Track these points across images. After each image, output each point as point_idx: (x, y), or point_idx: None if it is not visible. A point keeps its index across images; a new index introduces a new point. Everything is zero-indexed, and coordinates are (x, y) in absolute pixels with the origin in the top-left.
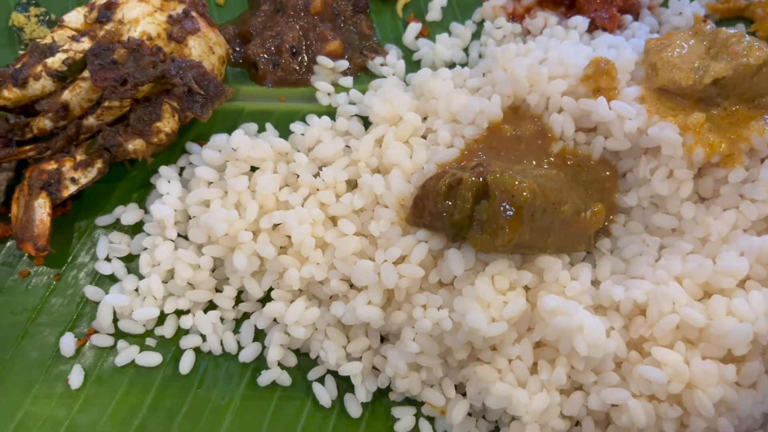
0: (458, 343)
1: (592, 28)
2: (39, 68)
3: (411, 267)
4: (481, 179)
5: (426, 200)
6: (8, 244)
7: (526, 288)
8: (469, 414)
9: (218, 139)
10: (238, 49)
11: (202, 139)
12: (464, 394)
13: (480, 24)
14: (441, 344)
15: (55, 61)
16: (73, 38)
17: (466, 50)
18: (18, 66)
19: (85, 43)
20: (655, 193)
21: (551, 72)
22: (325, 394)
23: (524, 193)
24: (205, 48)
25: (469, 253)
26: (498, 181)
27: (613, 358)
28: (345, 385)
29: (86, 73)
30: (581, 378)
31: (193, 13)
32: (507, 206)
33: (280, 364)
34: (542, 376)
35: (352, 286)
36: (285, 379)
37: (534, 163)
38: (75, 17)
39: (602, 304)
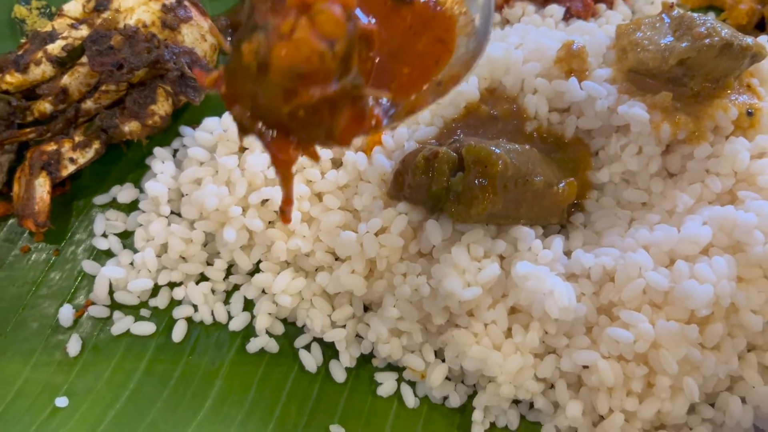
0: (436, 309)
1: (568, 16)
2: (40, 54)
3: (391, 237)
4: (456, 153)
5: (405, 174)
6: (10, 221)
7: (501, 257)
8: (448, 378)
9: (210, 121)
10: (230, 38)
11: (195, 123)
12: (443, 360)
13: None
14: (420, 310)
15: (55, 48)
16: (72, 26)
17: None
18: (20, 53)
19: (84, 31)
20: (626, 169)
21: (526, 56)
22: (311, 360)
23: (497, 164)
24: (198, 36)
25: (446, 224)
26: (472, 152)
27: (584, 323)
28: (330, 352)
29: (84, 59)
30: (554, 342)
31: (186, 3)
32: (480, 177)
33: (268, 332)
34: (516, 339)
35: (336, 258)
36: (273, 346)
37: (503, 140)
38: (74, 7)
39: (574, 272)
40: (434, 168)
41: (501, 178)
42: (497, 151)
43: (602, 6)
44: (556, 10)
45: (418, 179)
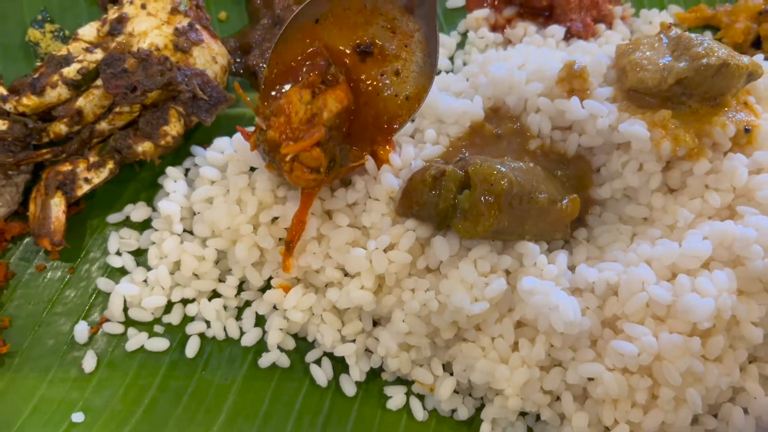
0: (444, 323)
1: (568, 36)
2: (55, 77)
3: (400, 253)
4: (462, 171)
5: (413, 192)
6: (26, 240)
7: (507, 272)
8: (456, 391)
9: (221, 141)
10: (239, 59)
11: (206, 143)
12: (451, 373)
13: (464, 34)
14: (428, 325)
15: (70, 71)
16: (87, 50)
17: (451, 59)
18: (36, 76)
19: (98, 54)
20: (628, 185)
21: (528, 76)
22: (321, 374)
23: (502, 182)
24: (209, 58)
25: (453, 240)
26: (478, 171)
27: (588, 336)
28: (340, 366)
29: (99, 82)
30: (560, 355)
31: (198, 26)
32: (486, 195)
33: (279, 347)
34: (523, 353)
35: (346, 274)
36: (284, 361)
37: (508, 158)
38: (89, 31)
39: (578, 287)
40: (441, 186)
41: (506, 195)
42: (503, 169)
43: (602, 26)
44: (557, 31)
45: (426, 197)
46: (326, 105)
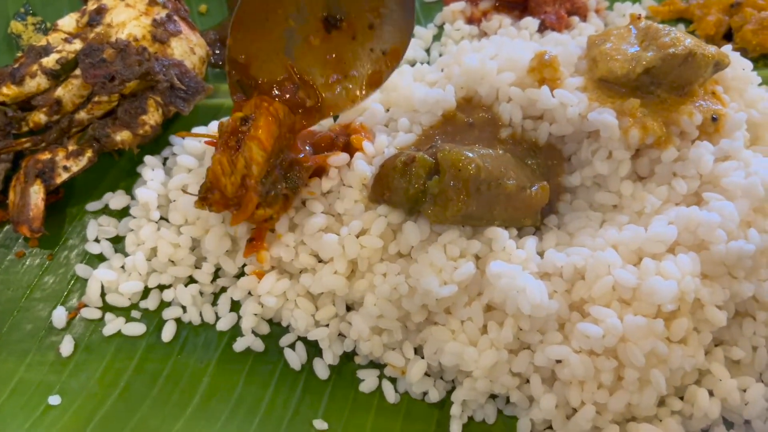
0: (415, 307)
1: (543, 28)
2: (35, 67)
3: (371, 238)
4: (432, 158)
5: (384, 178)
6: (5, 228)
7: (477, 257)
8: (428, 374)
9: (198, 130)
10: (218, 51)
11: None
12: (423, 356)
13: (441, 27)
14: (399, 308)
15: (49, 61)
16: (66, 40)
17: (428, 50)
18: (16, 66)
19: (77, 44)
20: (597, 173)
21: (500, 66)
22: (295, 358)
23: (470, 167)
24: (187, 49)
25: (424, 225)
26: (446, 157)
27: (556, 319)
28: (314, 350)
29: (78, 72)
30: (528, 338)
31: (176, 18)
32: (455, 180)
33: (254, 332)
34: (491, 335)
35: (319, 261)
36: (258, 345)
37: (479, 145)
38: (68, 22)
39: (547, 272)
40: (411, 172)
41: (474, 180)
42: (470, 155)
43: (576, 18)
44: (531, 23)
45: (397, 183)
46: (251, 158)
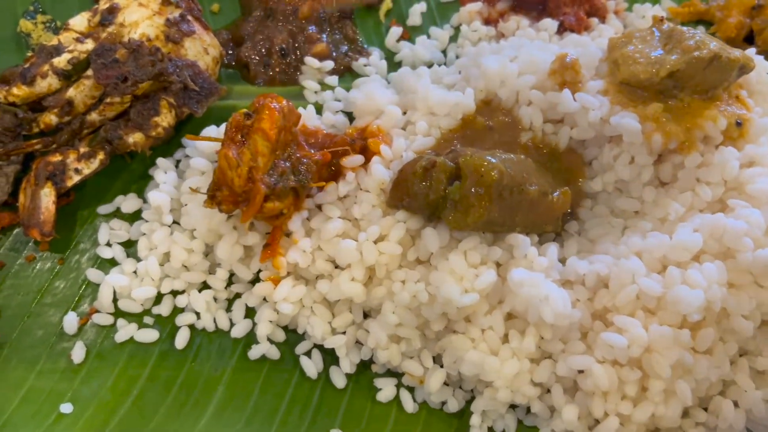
0: (434, 315)
1: (562, 30)
2: (46, 68)
3: (390, 245)
4: (453, 162)
5: (403, 183)
6: (15, 231)
7: (497, 264)
8: (446, 384)
9: (210, 130)
10: (231, 51)
11: (197, 135)
12: (442, 365)
13: (457, 28)
14: (418, 316)
15: (61, 61)
16: (78, 40)
17: (444, 52)
18: (26, 66)
19: (89, 44)
20: (619, 178)
21: (521, 68)
22: (311, 366)
23: (492, 173)
24: (200, 49)
25: (443, 231)
26: (468, 162)
27: (579, 328)
28: (330, 358)
29: (90, 72)
30: (550, 347)
31: (189, 17)
32: (477, 186)
33: (269, 339)
34: (513, 344)
35: (336, 266)
36: (274, 352)
37: (499, 150)
38: (80, 21)
39: (569, 279)
40: (432, 177)
41: (496, 186)
42: (493, 160)
43: (595, 20)
44: (550, 24)
45: (417, 188)
46: (257, 150)
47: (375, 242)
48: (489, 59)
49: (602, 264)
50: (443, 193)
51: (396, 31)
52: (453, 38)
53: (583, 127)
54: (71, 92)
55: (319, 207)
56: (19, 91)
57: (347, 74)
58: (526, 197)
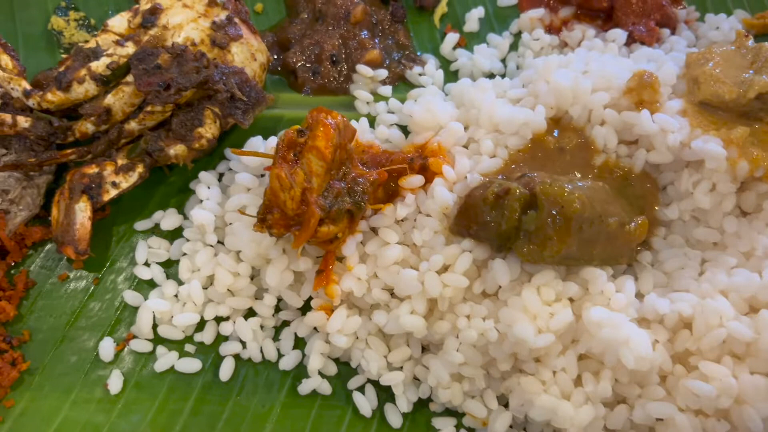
0: (503, 354)
1: (630, 41)
2: (83, 72)
3: (455, 276)
4: (527, 189)
5: (472, 210)
6: (47, 246)
7: (570, 299)
8: (511, 426)
9: (254, 142)
10: (276, 56)
11: (241, 146)
12: (506, 406)
13: (517, 35)
14: (485, 355)
15: (99, 65)
16: (117, 43)
17: (503, 61)
18: (62, 69)
19: (129, 48)
20: (697, 207)
21: (594, 84)
22: (365, 403)
23: (575, 204)
24: (248, 54)
25: (514, 263)
26: (548, 191)
27: (657, 372)
28: (385, 394)
29: (129, 78)
30: (625, 391)
31: (236, 20)
32: (556, 217)
33: (320, 373)
34: (587, 389)
35: (392, 294)
36: (325, 388)
37: (578, 175)
38: (119, 22)
39: (646, 317)
40: (504, 205)
41: (577, 218)
42: (573, 189)
43: (666, 31)
44: (619, 35)
45: (487, 216)
46: (311, 170)
47: (438, 272)
48: (560, 74)
49: (685, 303)
50: (516, 224)
51: (452, 37)
52: (512, 46)
53: (661, 151)
54: (109, 99)
55: (374, 230)
56: (53, 97)
57: (400, 83)
58: (605, 229)
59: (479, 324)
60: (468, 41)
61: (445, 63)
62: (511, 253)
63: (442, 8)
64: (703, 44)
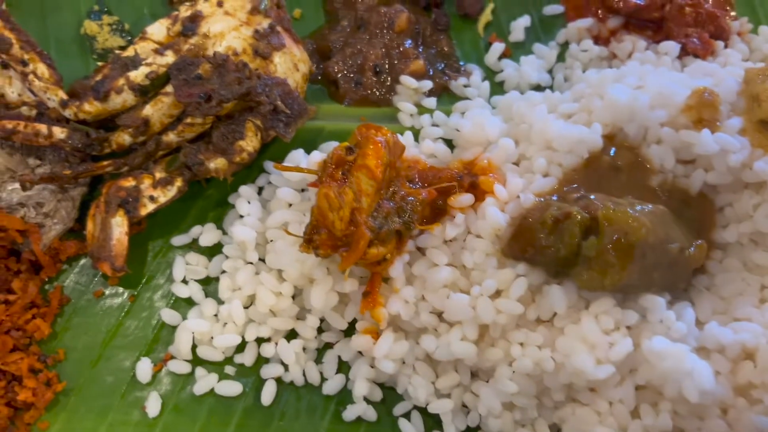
0: (558, 384)
1: (682, 53)
2: (121, 81)
3: (510, 302)
4: (587, 213)
5: (528, 233)
6: (82, 262)
7: (628, 327)
8: None
9: (295, 155)
10: (316, 65)
11: (281, 159)
12: None
13: (564, 46)
14: (539, 384)
15: (137, 75)
16: (156, 51)
17: (550, 72)
18: (99, 78)
19: (169, 57)
20: (757, 230)
21: (651, 101)
22: (412, 430)
23: (640, 231)
24: (290, 65)
25: (571, 289)
26: (610, 216)
27: (718, 404)
28: (431, 421)
29: (169, 88)
30: (685, 424)
31: (279, 28)
32: (618, 244)
33: (365, 398)
34: (645, 421)
35: (441, 318)
36: (371, 414)
37: (632, 197)
38: (158, 29)
39: (705, 346)
40: (564, 230)
41: (641, 245)
42: (637, 215)
43: (719, 43)
44: (672, 48)
45: (545, 240)
46: (360, 189)
47: (491, 297)
48: (616, 89)
49: (749, 334)
50: (576, 249)
51: (497, 47)
52: (559, 57)
53: (721, 172)
54: (148, 110)
55: (420, 250)
56: (91, 108)
57: (444, 95)
58: (666, 256)
59: (535, 353)
60: (513, 51)
61: (489, 73)
62: (567, 278)
63: (486, 16)
64: (757, 57)
